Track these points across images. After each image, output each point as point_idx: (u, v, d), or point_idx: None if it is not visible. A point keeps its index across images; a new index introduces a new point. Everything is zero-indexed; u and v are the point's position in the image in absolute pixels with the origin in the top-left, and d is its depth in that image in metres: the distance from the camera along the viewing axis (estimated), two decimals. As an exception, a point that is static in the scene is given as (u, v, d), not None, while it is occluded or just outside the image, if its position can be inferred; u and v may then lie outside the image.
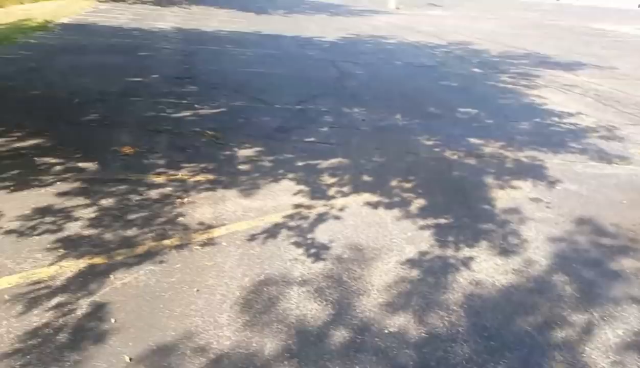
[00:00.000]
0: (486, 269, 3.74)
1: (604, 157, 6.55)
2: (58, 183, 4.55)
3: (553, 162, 6.19)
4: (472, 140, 6.82)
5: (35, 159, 5.05)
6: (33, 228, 3.77)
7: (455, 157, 6.10)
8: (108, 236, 3.77)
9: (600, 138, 7.36)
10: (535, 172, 5.82)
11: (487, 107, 8.82)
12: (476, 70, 12.60)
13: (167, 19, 18.15)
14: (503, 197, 5.05)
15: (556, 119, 8.31)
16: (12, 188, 4.37)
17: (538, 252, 4.04)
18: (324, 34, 17.83)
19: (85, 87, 8.07)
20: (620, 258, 4.04)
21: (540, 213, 4.76)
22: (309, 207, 4.49)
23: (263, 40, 15.42)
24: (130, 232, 3.85)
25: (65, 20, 15.64)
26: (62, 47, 11.31)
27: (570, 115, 8.59)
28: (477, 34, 20.93)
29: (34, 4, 19.66)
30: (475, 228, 4.34)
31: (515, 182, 5.46)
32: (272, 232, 4.04)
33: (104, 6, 20.64)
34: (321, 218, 4.31)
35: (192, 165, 5.28)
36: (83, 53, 10.86)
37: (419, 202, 4.74)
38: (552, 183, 5.53)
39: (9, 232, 3.71)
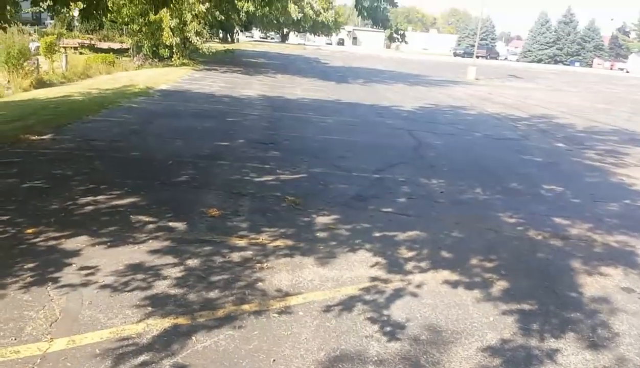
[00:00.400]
0: (574, 364, 3.50)
1: None
2: (150, 241, 4.84)
3: (647, 249, 5.80)
4: (558, 220, 6.55)
5: (131, 217, 5.42)
6: (125, 284, 4.01)
7: (539, 237, 5.87)
8: (192, 297, 3.93)
9: (701, 225, 6.83)
10: (626, 259, 5.46)
11: (573, 185, 8.49)
12: (560, 145, 12.23)
13: (254, 87, 19.28)
14: (592, 285, 4.76)
15: (649, 201, 7.84)
16: (108, 244, 4.70)
17: (632, 349, 3.73)
18: (402, 103, 18.15)
19: (178, 149, 8.66)
20: None
21: (633, 305, 4.42)
22: (385, 281, 4.45)
23: (343, 108, 15.93)
24: (212, 294, 3.98)
25: (164, 87, 17.04)
26: (160, 112, 12.29)
27: (666, 197, 8.07)
28: (561, 107, 20.44)
29: (137, 71, 21.62)
30: (561, 317, 4.10)
31: (605, 269, 5.14)
32: (348, 304, 4.03)
33: (198, 74, 22.30)
34: (398, 294, 4.25)
35: (272, 229, 5.44)
36: (178, 117, 11.72)
37: (501, 284, 4.57)
38: (646, 272, 5.16)
39: (104, 286, 3.97)
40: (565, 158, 10.81)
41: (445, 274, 4.69)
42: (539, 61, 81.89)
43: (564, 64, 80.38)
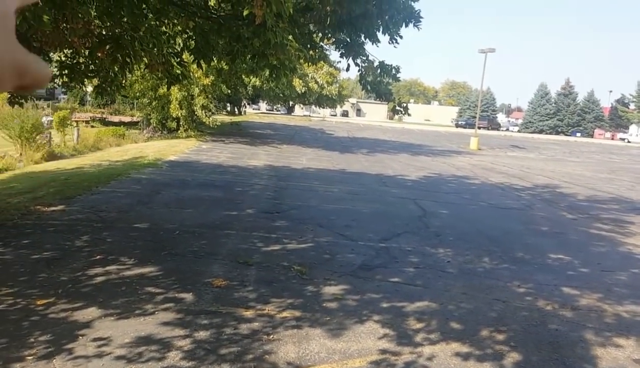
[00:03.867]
0: None
1: None
2: (158, 312, 4.83)
3: (659, 320, 5.71)
4: (566, 289, 6.50)
5: (138, 288, 5.44)
6: (139, 355, 4.00)
7: (549, 307, 5.81)
8: (201, 370, 3.89)
9: None
10: (638, 329, 5.37)
11: (580, 254, 8.47)
12: (565, 214, 12.28)
13: (261, 157, 19.68)
14: (604, 357, 4.67)
15: (659, 270, 7.78)
16: (118, 315, 4.70)
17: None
18: (406, 172, 18.41)
19: (185, 219, 8.76)
20: None
21: (651, 378, 4.33)
22: (395, 354, 4.39)
23: (347, 177, 16.17)
24: (221, 368, 3.94)
25: (172, 158, 17.43)
26: (168, 182, 12.52)
27: (675, 266, 8.01)
28: (564, 177, 20.66)
29: (146, 143, 22.22)
30: (576, 390, 4.01)
31: (617, 340, 5.06)
32: (357, 378, 3.96)
33: (206, 146, 22.84)
34: (408, 367, 4.18)
35: (279, 300, 5.42)
36: (186, 188, 11.93)
37: (512, 357, 4.49)
38: (660, 343, 5.06)
39: (118, 357, 3.95)
40: (571, 227, 10.82)
41: (456, 346, 4.63)
42: (541, 132, 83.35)
43: (566, 134, 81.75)
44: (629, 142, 72.19)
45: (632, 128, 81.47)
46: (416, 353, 4.43)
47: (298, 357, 4.23)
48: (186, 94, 23.55)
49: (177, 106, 23.59)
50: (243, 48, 6.33)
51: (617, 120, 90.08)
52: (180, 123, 25.26)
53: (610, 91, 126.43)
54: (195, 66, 10.99)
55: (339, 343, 4.53)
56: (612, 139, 79.02)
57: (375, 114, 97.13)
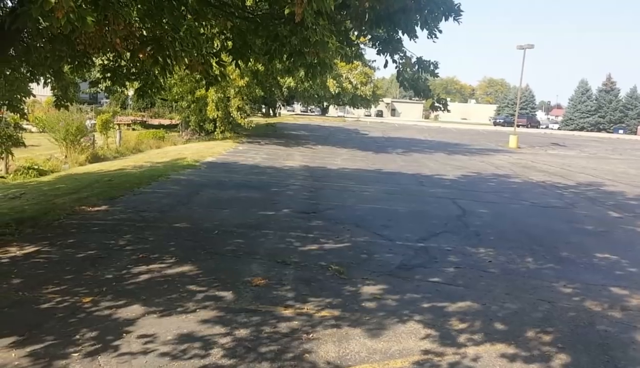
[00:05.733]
0: None
1: None
2: (199, 310, 4.88)
3: None
4: (615, 290, 6.25)
5: (180, 286, 5.51)
6: (182, 352, 4.07)
7: (597, 308, 5.59)
8: (242, 367, 3.90)
9: None
10: (695, 332, 5.11)
11: (629, 253, 8.13)
12: (611, 213, 11.84)
13: (296, 158, 19.76)
14: (659, 360, 4.46)
15: None
16: (160, 313, 4.77)
17: None
18: (443, 171, 18.13)
19: (224, 219, 8.86)
20: None
21: None
22: (438, 355, 4.30)
23: (383, 177, 16.04)
24: (261, 366, 3.94)
25: (210, 159, 17.70)
26: (206, 183, 12.70)
27: None
28: (607, 175, 19.95)
29: (185, 145, 22.65)
30: (630, 395, 3.84)
31: (672, 342, 4.82)
32: (399, 378, 3.90)
33: (242, 147, 23.10)
34: None
35: (317, 299, 5.40)
36: (224, 188, 12.07)
37: (560, 358, 4.33)
38: None
39: (162, 354, 4.02)
40: (617, 226, 10.42)
41: (501, 347, 4.50)
42: (581, 129, 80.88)
43: (608, 132, 79.07)
44: (675, 138, 69.20)
45: (678, 124, 78.10)
46: (460, 354, 4.33)
47: (338, 356, 4.19)
48: (222, 95, 23.86)
49: (214, 107, 23.92)
50: (281, 47, 6.34)
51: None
52: (217, 125, 25.61)
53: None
54: (231, 67, 11.13)
55: (380, 343, 4.47)
56: (657, 135, 75.90)
57: (410, 113, 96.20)
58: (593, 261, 7.61)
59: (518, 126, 47.10)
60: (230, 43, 6.88)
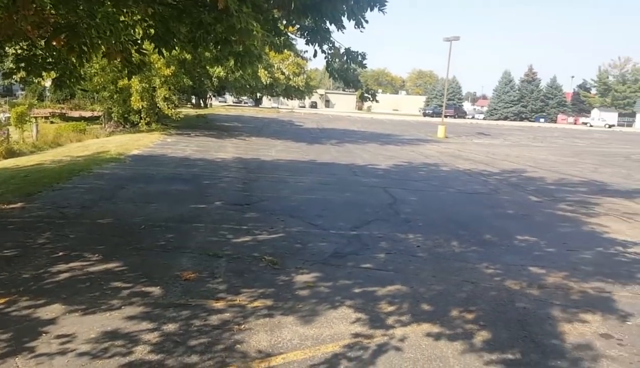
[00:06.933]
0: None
1: (678, 289, 6.16)
2: (124, 307, 4.71)
3: (621, 295, 5.87)
4: (533, 269, 6.63)
5: (104, 283, 5.29)
6: (105, 350, 3.88)
7: (517, 287, 5.91)
8: (170, 362, 3.80)
9: (672, 269, 6.98)
10: (603, 305, 5.51)
11: (546, 235, 8.65)
12: (532, 197, 12.54)
13: (229, 150, 19.46)
14: (571, 332, 4.78)
15: (620, 248, 8.01)
16: (82, 311, 4.55)
17: (618, 396, 3.72)
18: (376, 161, 18.48)
19: (152, 214, 8.58)
20: None
21: (613, 350, 4.44)
22: (367, 337, 4.39)
23: (318, 168, 16.13)
24: (190, 359, 3.86)
25: (136, 152, 17.05)
26: (133, 177, 12.23)
27: (635, 244, 8.26)
28: (529, 162, 21.10)
29: (108, 138, 21.71)
30: (545, 366, 4.08)
31: (583, 316, 5.18)
32: (331, 363, 3.94)
33: (171, 139, 22.44)
34: (381, 349, 4.19)
35: (250, 290, 5.36)
36: (151, 182, 11.68)
37: (482, 335, 4.55)
38: (622, 317, 5.20)
39: (82, 354, 3.83)
40: (537, 209, 11.05)
41: (427, 327, 4.66)
42: (505, 118, 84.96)
43: (530, 121, 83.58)
44: (591, 126, 74.39)
45: (594, 112, 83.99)
46: (388, 336, 4.44)
47: (270, 345, 4.19)
48: (147, 85, 23.01)
49: (139, 98, 23.00)
50: (205, 34, 6.19)
51: (580, 105, 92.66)
52: (143, 116, 24.70)
53: (572, 77, 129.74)
54: (156, 56, 10.73)
55: (312, 330, 4.50)
56: (575, 123, 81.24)
57: (344, 104, 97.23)
58: (514, 243, 8.03)
59: (446, 117, 48.80)
60: (152, 30, 6.63)
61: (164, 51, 6.81)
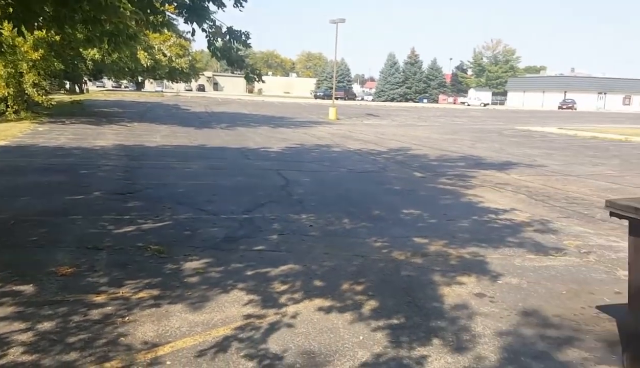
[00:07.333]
0: (441, 369, 3.69)
1: (540, 249, 6.84)
2: (-10, 309, 4.25)
3: (493, 257, 6.39)
4: (417, 239, 7.00)
5: (-36, 285, 4.74)
6: (-42, 361, 3.46)
7: (402, 257, 6.20)
8: (47, 362, 3.50)
9: (535, 232, 7.73)
10: (478, 268, 5.96)
11: (429, 207, 9.17)
12: (416, 173, 13.23)
13: (108, 137, 18.32)
14: (450, 294, 5.11)
15: (493, 215, 8.71)
16: None
17: (487, 347, 4.04)
18: (269, 144, 18.43)
19: (22, 207, 7.84)
20: (566, 349, 4.09)
21: (486, 307, 4.82)
22: (259, 317, 4.37)
23: (208, 152, 15.74)
24: (69, 357, 3.58)
25: (2, 143, 15.45)
26: (-1, 169, 11.07)
27: (505, 211, 9.04)
28: (414, 140, 22.25)
29: (-30, 127, 19.40)
30: (426, 327, 4.33)
31: (460, 278, 5.56)
32: (222, 346, 3.86)
33: (43, 128, 20.66)
34: (273, 327, 4.19)
35: (134, 281, 5.09)
36: (21, 174, 10.66)
37: (370, 304, 4.72)
38: (494, 277, 5.66)
39: None
40: (421, 184, 11.69)
41: (318, 302, 4.74)
42: (392, 100, 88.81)
43: (414, 101, 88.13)
44: (468, 105, 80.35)
45: (471, 92, 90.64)
46: (280, 314, 4.45)
47: (157, 335, 4.01)
48: (13, 70, 20.89)
49: (3, 84, 20.82)
50: (72, 13, 5.68)
51: (458, 85, 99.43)
52: (9, 104, 22.42)
53: (451, 59, 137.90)
54: (21, 38, 9.70)
55: (202, 316, 4.38)
56: (454, 103, 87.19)
57: (234, 87, 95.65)
58: (400, 217, 8.42)
59: (336, 99, 49.92)
60: (11, 9, 5.96)
61: (25, 32, 6.15)
